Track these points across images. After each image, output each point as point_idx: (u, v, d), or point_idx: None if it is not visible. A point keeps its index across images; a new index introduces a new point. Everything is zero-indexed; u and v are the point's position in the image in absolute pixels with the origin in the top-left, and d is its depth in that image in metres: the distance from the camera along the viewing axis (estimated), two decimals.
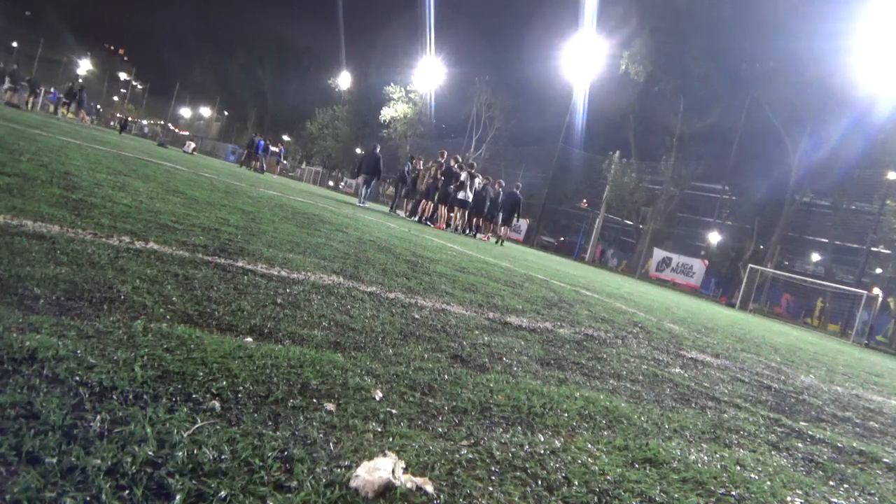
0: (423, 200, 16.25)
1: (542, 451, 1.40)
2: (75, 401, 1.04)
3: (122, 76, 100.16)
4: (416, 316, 2.60)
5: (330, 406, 1.33)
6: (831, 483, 1.81)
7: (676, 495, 1.35)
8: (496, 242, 16.50)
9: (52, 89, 32.77)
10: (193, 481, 0.90)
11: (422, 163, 18.33)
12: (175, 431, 1.02)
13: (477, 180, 16.40)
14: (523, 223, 34.28)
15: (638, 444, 1.63)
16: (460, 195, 15.83)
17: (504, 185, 18.54)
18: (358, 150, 54.17)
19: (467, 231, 16.41)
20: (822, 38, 24.84)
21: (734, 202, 34.78)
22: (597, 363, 2.65)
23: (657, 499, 1.31)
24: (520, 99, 43.81)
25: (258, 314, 1.91)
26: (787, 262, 32.85)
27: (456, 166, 16.03)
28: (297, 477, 1.00)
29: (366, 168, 17.56)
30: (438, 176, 15.90)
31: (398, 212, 17.97)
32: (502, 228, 17.98)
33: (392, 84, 46.90)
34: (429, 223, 15.63)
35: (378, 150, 17.91)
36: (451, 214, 16.17)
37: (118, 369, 1.21)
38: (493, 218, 17.53)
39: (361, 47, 58.09)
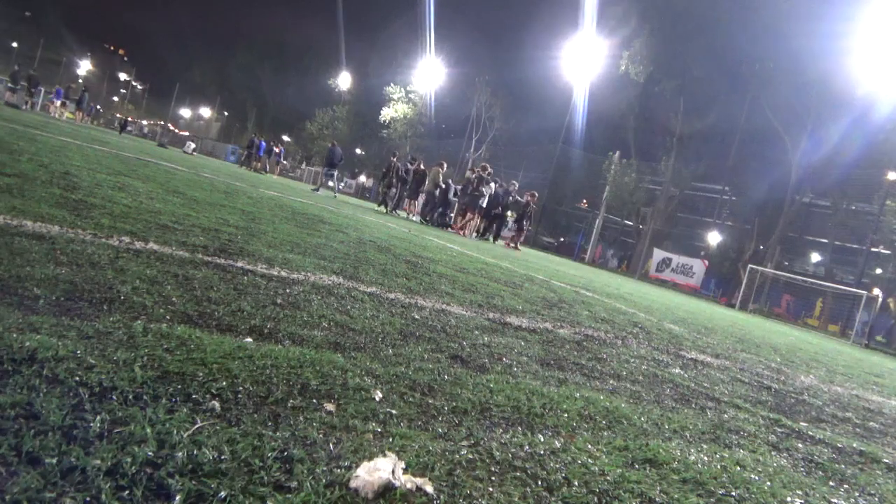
0: (467, 211, 16.21)
1: (542, 452, 1.40)
2: (75, 401, 1.04)
3: (122, 76, 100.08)
4: (416, 316, 2.60)
5: (330, 406, 1.33)
6: (831, 483, 1.81)
7: (676, 496, 1.35)
8: (512, 247, 16.55)
9: (56, 88, 32.76)
10: (193, 482, 0.90)
11: (422, 164, 18.43)
12: (175, 432, 1.02)
13: (493, 185, 16.49)
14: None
15: (638, 444, 1.63)
16: (482, 201, 16.04)
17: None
18: (358, 151, 54.22)
19: (487, 235, 16.51)
20: (822, 39, 24.84)
21: (734, 202, 34.79)
22: (597, 363, 2.65)
23: (657, 499, 1.31)
24: (520, 99, 43.83)
25: (258, 314, 1.91)
26: (787, 263, 32.84)
27: (480, 175, 16.16)
28: (297, 477, 1.00)
29: (327, 161, 20.77)
30: (476, 186, 15.95)
31: (399, 212, 18.01)
32: (519, 234, 17.97)
33: (392, 84, 46.92)
34: (449, 229, 15.92)
35: (331, 144, 21.20)
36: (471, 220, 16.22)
37: (118, 370, 1.21)
38: (502, 220, 17.51)
39: (361, 47, 58.03)
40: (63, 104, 29.70)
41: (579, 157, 40.34)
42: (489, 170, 16.70)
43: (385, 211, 16.93)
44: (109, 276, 1.88)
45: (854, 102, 25.28)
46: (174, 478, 0.90)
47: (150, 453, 0.94)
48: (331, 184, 20.40)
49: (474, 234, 15.69)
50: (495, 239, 16.98)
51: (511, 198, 17.44)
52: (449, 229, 16.21)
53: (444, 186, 16.94)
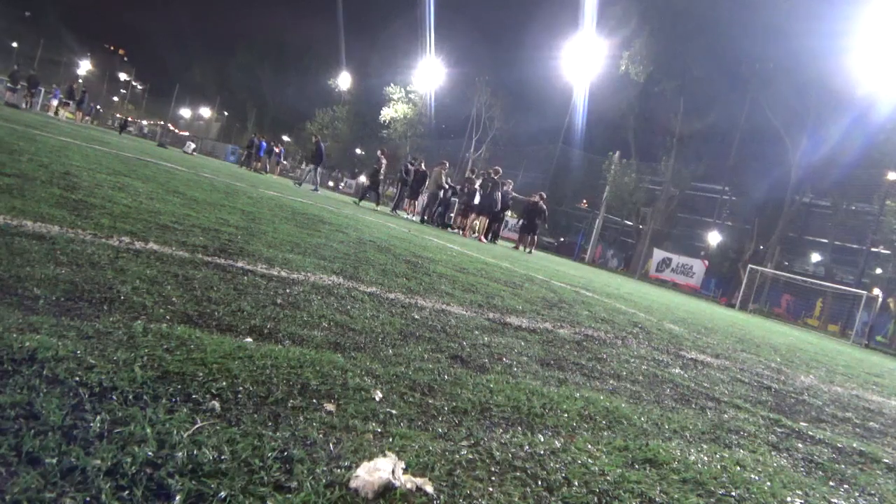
0: (474, 214, 16.15)
1: (542, 452, 1.40)
2: (75, 401, 1.04)
3: (122, 76, 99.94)
4: (416, 316, 2.60)
5: (330, 406, 1.33)
6: (831, 483, 1.81)
7: (676, 496, 1.35)
8: (526, 251, 16.36)
9: (53, 86, 32.77)
10: (193, 482, 0.90)
11: (423, 164, 18.46)
12: (175, 432, 1.02)
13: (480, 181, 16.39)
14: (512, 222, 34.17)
15: (638, 444, 1.63)
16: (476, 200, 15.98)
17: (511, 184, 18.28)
18: (358, 151, 54.28)
19: (489, 237, 16.42)
20: (822, 38, 24.85)
21: (734, 202, 34.82)
22: (597, 363, 2.65)
23: (657, 499, 1.31)
24: (520, 99, 43.86)
25: (258, 314, 1.91)
26: (787, 263, 32.87)
27: (493, 178, 16.07)
28: (297, 477, 1.00)
29: (311, 157, 22.10)
30: (491, 191, 15.85)
31: (399, 212, 18.03)
32: (529, 237, 17.52)
33: (392, 84, 46.96)
34: (449, 229, 15.93)
35: (314, 139, 22.84)
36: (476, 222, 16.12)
37: (118, 370, 1.21)
38: (501, 219, 17.35)
39: (361, 47, 58.13)
40: (62, 104, 29.57)
41: (579, 157, 40.38)
42: (500, 172, 16.57)
43: (368, 204, 17.17)
44: (109, 276, 1.88)
45: (854, 102, 25.29)
46: (174, 478, 0.90)
47: (150, 453, 0.94)
48: (311, 178, 21.36)
49: (482, 237, 15.56)
50: (495, 239, 16.94)
51: (511, 197, 17.37)
52: (449, 229, 16.20)
53: (447, 187, 16.91)
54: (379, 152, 19.38)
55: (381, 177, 18.43)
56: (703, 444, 1.85)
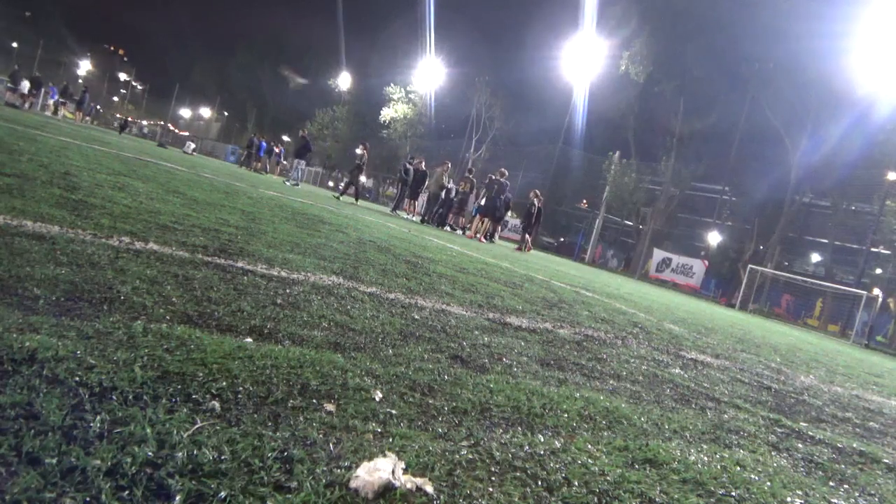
0: (479, 216, 16.18)
1: (542, 452, 1.40)
2: (75, 401, 1.04)
3: (122, 76, 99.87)
4: (416, 316, 2.60)
5: (330, 406, 1.33)
6: (831, 483, 1.81)
7: (676, 496, 1.35)
8: (522, 250, 16.37)
9: (50, 84, 32.80)
10: (193, 482, 0.90)
11: (423, 164, 18.43)
12: (175, 432, 1.02)
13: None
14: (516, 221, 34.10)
15: (638, 444, 1.63)
16: (481, 202, 16.01)
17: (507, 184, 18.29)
18: (358, 151, 54.28)
19: (489, 237, 16.40)
20: (822, 39, 24.85)
21: (734, 202, 34.78)
22: (597, 364, 2.65)
23: (657, 499, 1.31)
24: (520, 99, 43.83)
25: (258, 315, 1.91)
26: (787, 263, 32.85)
27: (500, 181, 16.04)
28: (297, 477, 1.00)
29: (296, 152, 22.55)
30: (498, 192, 15.82)
31: (399, 212, 18.02)
32: (525, 235, 17.46)
33: (392, 84, 46.94)
34: (459, 231, 15.99)
35: (301, 134, 23.82)
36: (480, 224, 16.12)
37: (118, 370, 1.21)
38: (500, 220, 17.38)
39: (361, 47, 58.10)
40: (60, 103, 29.42)
41: (579, 157, 40.36)
42: (507, 174, 16.54)
43: (337, 196, 17.08)
44: (109, 276, 1.88)
45: (854, 102, 25.29)
46: (174, 478, 0.90)
47: (150, 453, 0.94)
48: (297, 173, 21.40)
49: (482, 238, 15.54)
50: (491, 238, 16.94)
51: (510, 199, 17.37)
52: (448, 228, 16.21)
53: (449, 187, 16.90)
54: (361, 146, 19.21)
55: (362, 172, 18.39)
56: (703, 444, 1.85)
